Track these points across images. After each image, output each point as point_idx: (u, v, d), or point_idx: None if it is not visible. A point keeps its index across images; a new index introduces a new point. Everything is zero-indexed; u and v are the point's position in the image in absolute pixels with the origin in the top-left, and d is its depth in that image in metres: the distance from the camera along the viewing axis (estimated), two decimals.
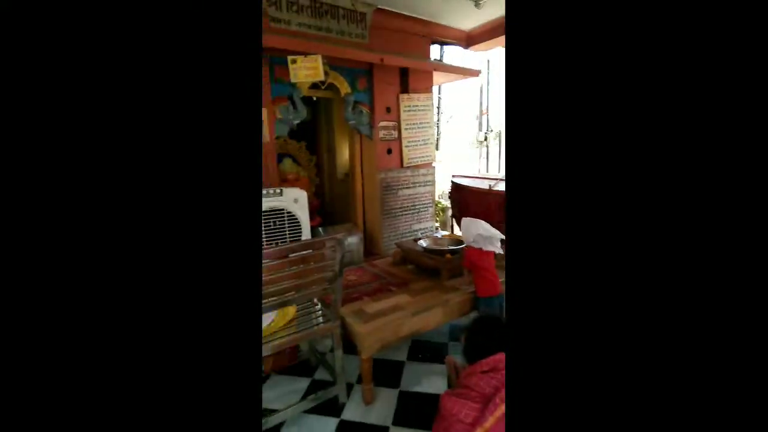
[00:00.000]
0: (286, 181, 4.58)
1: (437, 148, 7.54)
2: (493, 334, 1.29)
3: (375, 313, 2.17)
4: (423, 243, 2.81)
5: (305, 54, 3.08)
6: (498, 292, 2.33)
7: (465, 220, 2.49)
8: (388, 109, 4.02)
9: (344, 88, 3.71)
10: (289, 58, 3.04)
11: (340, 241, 1.87)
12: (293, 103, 3.43)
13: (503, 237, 2.44)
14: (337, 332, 2.01)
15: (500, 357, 1.23)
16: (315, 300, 2.28)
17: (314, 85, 3.55)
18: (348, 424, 1.96)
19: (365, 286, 2.53)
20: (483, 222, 2.43)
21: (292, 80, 3.10)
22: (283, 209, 3.01)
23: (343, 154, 4.91)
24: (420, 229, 4.50)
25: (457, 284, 2.52)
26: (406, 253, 2.86)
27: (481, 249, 2.32)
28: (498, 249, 2.34)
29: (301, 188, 4.53)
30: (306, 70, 3.11)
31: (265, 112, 3.26)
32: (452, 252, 2.58)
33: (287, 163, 4.63)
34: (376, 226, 4.21)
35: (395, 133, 4.12)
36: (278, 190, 2.98)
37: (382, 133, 4.02)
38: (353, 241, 3.72)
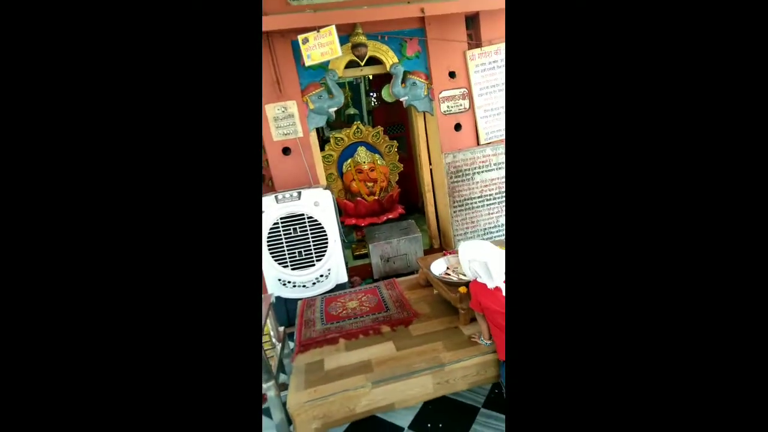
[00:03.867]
0: (361, 172, 4.14)
1: None
2: None
3: (332, 371, 1.57)
4: (444, 263, 1.95)
5: (318, 29, 2.51)
6: None
7: (463, 244, 1.56)
8: (452, 74, 3.05)
9: (389, 58, 2.97)
10: (300, 37, 2.53)
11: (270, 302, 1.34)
12: (328, 89, 2.93)
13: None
14: (271, 393, 1.52)
15: None
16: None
17: (352, 63, 2.95)
18: None
19: (355, 321, 1.92)
20: (484, 243, 1.46)
21: (306, 64, 2.59)
22: (302, 214, 2.62)
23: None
24: None
25: (478, 331, 1.63)
26: (427, 275, 2.06)
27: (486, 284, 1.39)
28: (497, 283, 1.37)
29: (377, 178, 4.10)
30: (321, 48, 2.55)
31: (294, 104, 2.88)
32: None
33: (361, 152, 4.16)
34: (447, 219, 3.38)
35: (465, 103, 3.13)
36: (295, 194, 2.59)
37: (445, 106, 3.11)
38: (405, 244, 3.05)
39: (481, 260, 1.41)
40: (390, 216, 3.86)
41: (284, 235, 2.62)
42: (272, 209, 2.58)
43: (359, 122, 4.16)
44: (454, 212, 3.30)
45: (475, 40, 3.05)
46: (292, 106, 2.90)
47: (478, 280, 1.48)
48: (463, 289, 1.67)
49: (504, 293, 1.41)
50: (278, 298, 2.65)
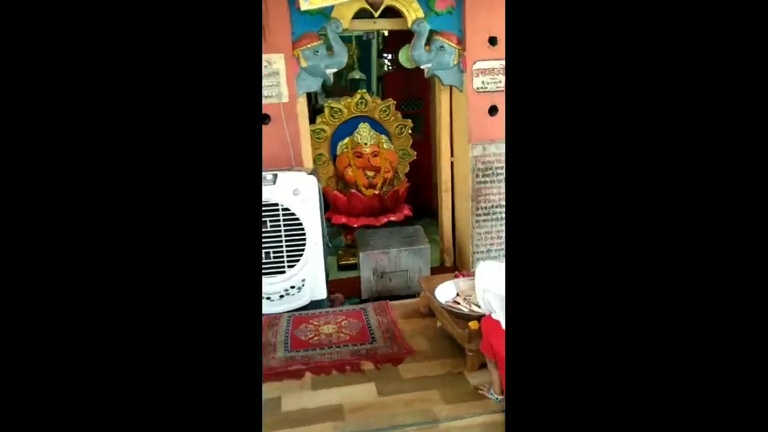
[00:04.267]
0: (360, 157, 4.12)
1: None
2: None
3: (291, 414, 1.59)
4: (454, 287, 1.94)
5: None
6: None
7: (481, 265, 1.55)
8: (493, 41, 3.04)
9: (412, 10, 2.96)
10: None
11: None
12: (327, 44, 2.93)
13: None
14: None
15: None
16: None
17: (363, 13, 2.95)
18: None
19: (329, 351, 1.92)
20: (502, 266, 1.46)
21: (302, 8, 2.60)
22: (276, 204, 2.62)
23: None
24: None
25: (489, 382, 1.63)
26: (430, 301, 2.06)
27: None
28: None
29: (380, 166, 4.09)
30: None
31: (281, 59, 2.88)
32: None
33: (363, 130, 4.14)
34: (466, 230, 3.38)
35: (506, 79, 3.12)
36: (269, 176, 2.60)
37: (479, 81, 3.10)
38: (407, 257, 3.05)
39: (497, 291, 1.40)
40: (392, 218, 3.86)
41: None
42: None
43: (365, 91, 4.15)
44: (477, 222, 3.29)
45: None
46: (279, 61, 2.89)
47: (493, 316, 1.47)
48: (474, 325, 1.67)
49: None
50: None
